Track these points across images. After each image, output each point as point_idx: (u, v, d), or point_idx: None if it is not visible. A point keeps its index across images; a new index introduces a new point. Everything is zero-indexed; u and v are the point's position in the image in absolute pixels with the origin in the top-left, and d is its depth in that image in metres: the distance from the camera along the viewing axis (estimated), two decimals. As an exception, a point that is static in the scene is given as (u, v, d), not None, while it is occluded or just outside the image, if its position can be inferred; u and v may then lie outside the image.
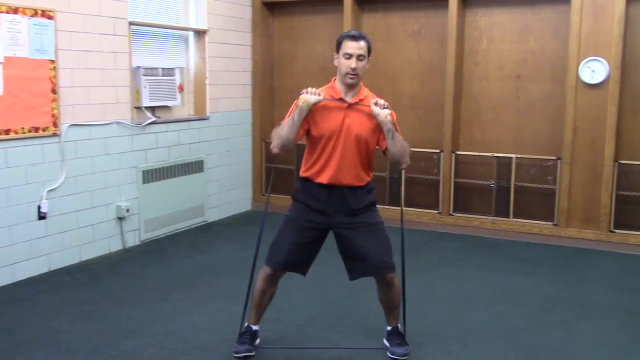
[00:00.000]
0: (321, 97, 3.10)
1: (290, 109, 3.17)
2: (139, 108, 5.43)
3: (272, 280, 3.34)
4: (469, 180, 5.95)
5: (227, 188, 6.48)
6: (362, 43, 3.13)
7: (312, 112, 3.13)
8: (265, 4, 6.63)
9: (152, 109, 5.58)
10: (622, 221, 5.40)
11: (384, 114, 3.09)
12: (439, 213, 5.94)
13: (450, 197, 5.93)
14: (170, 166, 5.69)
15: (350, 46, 3.12)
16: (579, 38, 5.30)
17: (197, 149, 6.03)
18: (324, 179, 3.18)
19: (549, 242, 5.56)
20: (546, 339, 3.56)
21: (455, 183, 5.94)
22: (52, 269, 4.69)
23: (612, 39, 5.20)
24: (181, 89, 5.87)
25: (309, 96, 3.09)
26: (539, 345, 3.49)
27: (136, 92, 5.35)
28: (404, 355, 3.32)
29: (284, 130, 3.12)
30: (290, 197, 6.87)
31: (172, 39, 5.89)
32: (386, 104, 3.13)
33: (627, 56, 5.27)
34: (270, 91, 6.86)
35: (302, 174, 3.29)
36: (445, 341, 3.55)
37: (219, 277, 4.62)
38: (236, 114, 6.54)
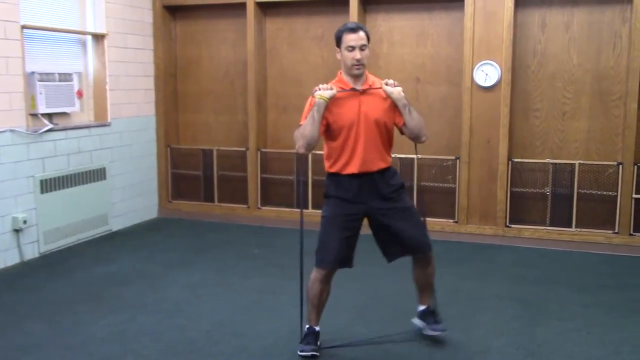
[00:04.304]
0: (334, 91, 3.21)
1: (305, 110, 3.26)
2: (34, 115, 5.22)
3: (327, 280, 3.39)
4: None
5: (131, 195, 6.34)
6: (362, 33, 3.24)
7: (328, 106, 3.22)
8: (167, 8, 6.54)
9: (49, 115, 5.37)
10: (516, 216, 5.69)
11: (397, 91, 3.28)
12: (346, 214, 6.04)
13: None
14: (71, 175, 5.50)
15: (351, 38, 3.22)
16: (472, 42, 5.56)
17: (99, 156, 5.86)
18: (353, 168, 3.28)
19: (451, 238, 5.79)
20: (448, 332, 3.70)
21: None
22: (-58, 286, 4.44)
23: (503, 43, 5.48)
24: (80, 94, 5.68)
25: (324, 92, 3.19)
26: (441, 337, 3.63)
27: (31, 99, 5.14)
28: (444, 330, 3.51)
29: (306, 130, 3.19)
30: (195, 202, 6.79)
31: (69, 43, 5.70)
32: (396, 82, 3.30)
33: (517, 59, 5.57)
34: (174, 96, 6.77)
35: (329, 169, 3.37)
36: (352, 338, 3.62)
37: (125, 287, 4.51)
38: (139, 119, 6.40)
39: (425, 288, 3.58)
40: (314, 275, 3.39)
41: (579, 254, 5.37)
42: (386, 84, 3.30)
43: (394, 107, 3.32)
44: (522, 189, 5.69)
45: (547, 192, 5.58)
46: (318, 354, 3.38)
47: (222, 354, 3.42)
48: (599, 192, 5.46)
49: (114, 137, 6.04)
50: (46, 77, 5.23)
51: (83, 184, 5.64)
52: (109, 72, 5.91)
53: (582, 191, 5.48)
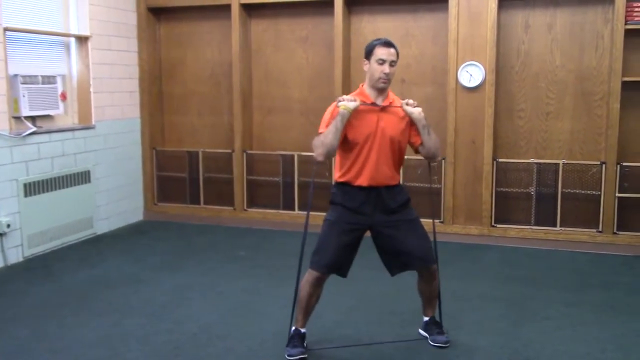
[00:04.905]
0: (358, 103, 3.26)
1: (326, 119, 3.29)
2: (18, 118, 5.18)
3: (319, 284, 3.39)
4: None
5: (116, 198, 6.30)
6: (393, 50, 3.31)
7: (349, 117, 3.24)
8: (151, 10, 6.51)
9: (33, 118, 5.33)
10: (501, 216, 5.73)
11: (417, 111, 3.33)
12: (332, 215, 6.04)
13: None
14: (55, 178, 5.45)
15: (383, 52, 3.28)
16: (457, 43, 5.58)
17: (83, 159, 5.82)
18: (363, 181, 3.31)
19: (437, 239, 5.77)
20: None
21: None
22: None
23: (487, 44, 5.51)
24: (64, 97, 5.65)
25: (348, 103, 3.23)
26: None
27: (14, 101, 5.09)
28: (447, 343, 3.51)
29: (328, 138, 3.21)
30: (181, 204, 6.76)
31: (52, 45, 5.66)
32: (415, 102, 3.34)
33: (501, 60, 5.60)
34: (159, 98, 6.74)
35: (338, 179, 3.39)
36: (340, 340, 3.63)
37: (110, 291, 4.48)
38: (124, 121, 6.37)
39: (429, 300, 3.62)
40: (307, 277, 3.39)
41: (563, 253, 5.42)
42: (407, 104, 3.34)
43: (410, 126, 3.37)
44: (507, 189, 5.72)
45: (532, 191, 5.62)
46: (306, 356, 3.37)
47: (208, 357, 3.41)
48: (583, 192, 5.51)
49: (99, 139, 6.01)
50: (29, 79, 5.19)
51: (67, 187, 5.60)
52: (92, 74, 5.87)
53: (566, 190, 5.52)
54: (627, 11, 5.15)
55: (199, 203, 6.59)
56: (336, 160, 3.43)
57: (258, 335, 3.68)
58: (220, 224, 6.44)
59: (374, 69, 3.29)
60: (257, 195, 6.52)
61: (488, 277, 4.78)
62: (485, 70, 5.53)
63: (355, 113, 3.27)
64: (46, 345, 3.55)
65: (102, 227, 6.10)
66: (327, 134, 3.22)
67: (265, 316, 3.99)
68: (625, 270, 4.96)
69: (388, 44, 3.31)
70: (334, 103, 3.32)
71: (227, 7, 6.19)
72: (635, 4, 5.15)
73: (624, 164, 5.35)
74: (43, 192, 5.33)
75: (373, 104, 3.33)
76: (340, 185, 3.38)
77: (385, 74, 3.27)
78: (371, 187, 3.32)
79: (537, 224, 5.61)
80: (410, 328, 3.78)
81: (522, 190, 5.68)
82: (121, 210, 6.39)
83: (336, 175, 3.42)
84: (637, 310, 4.08)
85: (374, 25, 5.99)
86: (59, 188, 5.51)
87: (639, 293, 4.42)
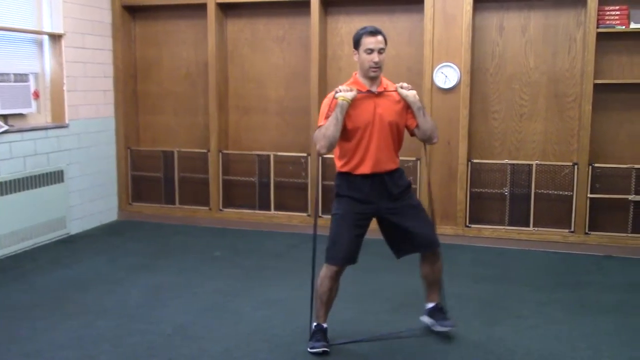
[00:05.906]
0: (355, 92, 3.28)
1: (324, 111, 3.30)
2: (-11, 116, 5.12)
3: (337, 277, 3.46)
4: (332, 183, 6.09)
5: (90, 198, 6.23)
6: (380, 37, 3.31)
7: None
8: (126, 8, 6.45)
9: (5, 117, 5.26)
10: (476, 216, 5.78)
11: (412, 94, 3.38)
12: (309, 215, 6.06)
13: (319, 200, 6.04)
14: (27, 177, 5.38)
15: (370, 41, 3.29)
16: (432, 45, 5.62)
17: (56, 158, 5.75)
18: (365, 169, 3.35)
19: (412, 238, 5.83)
20: (410, 331, 3.75)
21: (324, 186, 6.08)
22: None
23: (462, 45, 5.56)
24: (36, 95, 5.58)
25: (346, 93, 3.25)
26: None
27: (-15, 100, 5.03)
28: (453, 326, 3.58)
29: (329, 130, 3.24)
30: (156, 204, 6.72)
31: (25, 43, 5.58)
32: (409, 86, 3.40)
33: (476, 62, 5.65)
34: (134, 97, 6.68)
35: (340, 168, 3.43)
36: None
37: (84, 292, 4.43)
38: (98, 121, 6.30)
39: (433, 285, 3.67)
40: (324, 272, 3.45)
41: (536, 252, 5.49)
42: (401, 87, 3.39)
43: (406, 109, 3.42)
44: (481, 190, 5.77)
45: (506, 192, 5.68)
46: (329, 349, 3.42)
47: (182, 358, 3.40)
48: (556, 192, 5.58)
49: (72, 138, 5.94)
50: (1, 77, 5.13)
51: (40, 186, 5.53)
52: (66, 72, 5.80)
53: (539, 191, 5.59)
54: (599, 14, 5.23)
55: (174, 203, 6.55)
56: (335, 150, 3.45)
57: (233, 336, 3.68)
58: (196, 224, 6.40)
59: (363, 58, 3.32)
60: (233, 196, 6.50)
61: (462, 277, 4.82)
62: (461, 72, 5.57)
63: (352, 102, 3.30)
64: (18, 347, 3.50)
65: (75, 227, 6.03)
66: (328, 126, 3.25)
67: (240, 317, 3.98)
68: (596, 270, 5.04)
69: (374, 32, 3.32)
70: (331, 94, 3.34)
71: (203, 6, 6.17)
72: (607, 8, 5.23)
73: (596, 165, 5.43)
74: (15, 191, 5.26)
75: (369, 91, 3.35)
76: (343, 175, 3.43)
77: (374, 62, 3.29)
78: (374, 174, 3.36)
79: (510, 224, 5.67)
80: (385, 327, 3.79)
81: (496, 190, 5.74)
82: (95, 210, 6.32)
83: (338, 165, 3.45)
84: (607, 309, 4.14)
85: (350, 25, 6.01)
86: (32, 188, 5.44)
87: (609, 292, 4.49)
